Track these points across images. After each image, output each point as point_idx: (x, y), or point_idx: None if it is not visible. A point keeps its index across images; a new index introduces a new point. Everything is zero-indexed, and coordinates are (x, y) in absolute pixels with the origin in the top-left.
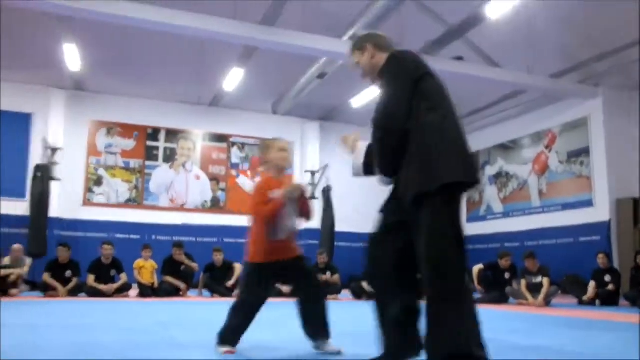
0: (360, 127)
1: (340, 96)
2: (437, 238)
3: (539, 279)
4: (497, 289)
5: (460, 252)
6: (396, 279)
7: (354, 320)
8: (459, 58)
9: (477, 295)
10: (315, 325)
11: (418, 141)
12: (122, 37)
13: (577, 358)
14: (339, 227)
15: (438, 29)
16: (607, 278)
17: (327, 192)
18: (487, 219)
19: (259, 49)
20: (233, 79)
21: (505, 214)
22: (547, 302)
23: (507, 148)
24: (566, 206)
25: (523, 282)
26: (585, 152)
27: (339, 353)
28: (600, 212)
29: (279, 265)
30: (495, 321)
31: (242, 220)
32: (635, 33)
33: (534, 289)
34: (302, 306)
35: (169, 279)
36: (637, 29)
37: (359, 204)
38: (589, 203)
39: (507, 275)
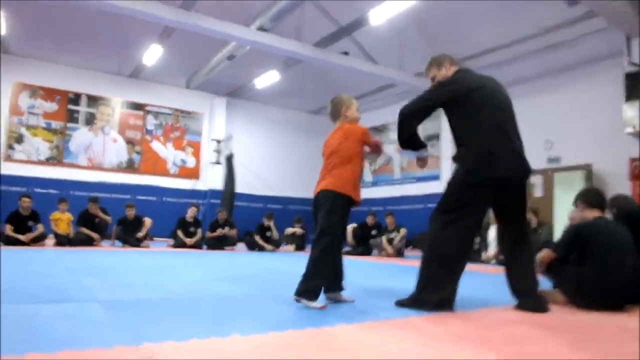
0: (263, 104)
1: (246, 77)
2: None
3: (395, 234)
4: (365, 244)
5: None
6: None
7: (247, 266)
8: (346, 53)
9: (347, 249)
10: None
11: None
12: (51, 5)
13: None
14: (239, 189)
15: (330, 26)
16: None
17: (230, 158)
18: (360, 188)
19: (177, 29)
20: (152, 54)
21: (374, 183)
22: (400, 254)
23: (379, 130)
24: (420, 179)
25: (384, 237)
26: (436, 137)
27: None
28: (444, 185)
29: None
30: (361, 270)
31: (153, 180)
32: (484, 44)
33: (392, 242)
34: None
35: (84, 230)
36: (484, 39)
37: (258, 171)
38: (436, 177)
39: (373, 232)
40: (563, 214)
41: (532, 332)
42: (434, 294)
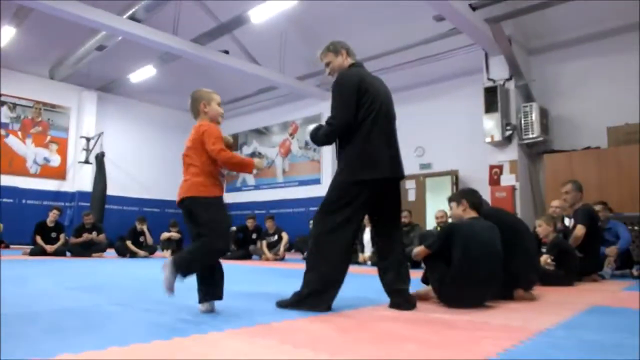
0: (138, 101)
1: (120, 70)
2: None
3: (275, 237)
4: (246, 248)
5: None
6: None
7: (111, 274)
8: (226, 52)
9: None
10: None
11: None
12: None
13: None
14: (111, 191)
15: (209, 22)
16: None
17: (100, 158)
18: (242, 190)
19: (35, 11)
20: (4, 36)
21: (257, 187)
22: (281, 257)
23: (261, 133)
24: (302, 182)
25: (264, 242)
26: None
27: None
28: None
29: None
30: (238, 274)
31: (9, 180)
32: (360, 52)
33: (272, 246)
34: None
35: None
36: (361, 47)
37: (132, 171)
38: (317, 181)
39: (254, 236)
40: (433, 216)
41: (398, 329)
42: (317, 297)
